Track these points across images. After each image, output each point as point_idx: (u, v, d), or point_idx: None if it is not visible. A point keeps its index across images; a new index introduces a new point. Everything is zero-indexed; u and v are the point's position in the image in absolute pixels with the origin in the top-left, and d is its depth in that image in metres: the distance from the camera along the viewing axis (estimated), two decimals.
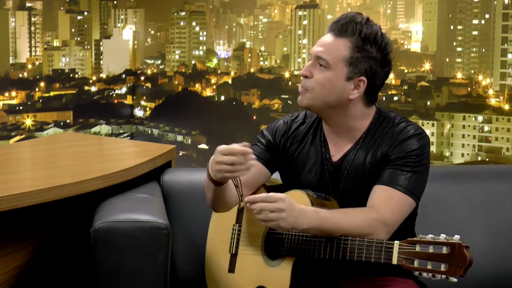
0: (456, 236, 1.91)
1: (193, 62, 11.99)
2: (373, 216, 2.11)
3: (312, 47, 2.26)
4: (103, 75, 11.51)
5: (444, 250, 1.90)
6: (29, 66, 11.49)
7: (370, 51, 2.17)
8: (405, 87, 11.13)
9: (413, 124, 2.24)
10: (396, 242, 1.98)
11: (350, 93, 2.19)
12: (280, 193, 2.08)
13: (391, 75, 11.20)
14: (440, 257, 1.90)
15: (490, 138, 10.68)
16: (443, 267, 1.89)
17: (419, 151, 2.18)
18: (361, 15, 2.23)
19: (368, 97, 2.23)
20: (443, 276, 1.89)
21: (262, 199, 2.06)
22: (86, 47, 11.70)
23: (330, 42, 2.20)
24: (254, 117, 11.33)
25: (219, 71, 12.01)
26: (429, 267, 1.91)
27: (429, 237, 1.93)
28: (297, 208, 2.06)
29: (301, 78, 2.25)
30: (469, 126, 10.77)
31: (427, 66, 11.27)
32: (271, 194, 2.06)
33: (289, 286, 2.15)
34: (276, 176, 2.41)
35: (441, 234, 1.92)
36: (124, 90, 11.25)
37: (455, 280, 1.89)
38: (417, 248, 1.94)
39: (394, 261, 1.97)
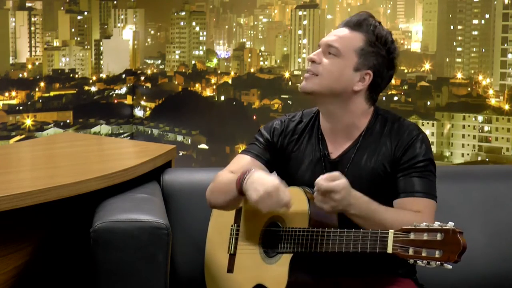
0: (450, 222, 1.91)
1: (193, 62, 12.00)
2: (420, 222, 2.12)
3: (322, 39, 2.29)
4: (103, 75, 11.52)
5: (438, 236, 1.90)
6: (29, 66, 11.50)
7: (381, 49, 2.22)
8: (405, 87, 11.14)
9: (413, 124, 2.27)
10: (391, 231, 1.98)
11: (355, 84, 2.23)
12: (339, 182, 2.06)
13: None
14: (434, 244, 1.90)
15: (490, 138, 10.69)
16: (437, 254, 1.89)
17: (428, 153, 2.22)
18: (374, 18, 2.28)
19: (370, 94, 2.25)
20: (437, 262, 1.89)
21: (327, 188, 2.06)
22: (86, 47, 11.71)
23: (345, 34, 2.26)
24: (254, 117, 11.34)
25: (219, 71, 12.02)
26: (423, 254, 1.91)
27: (423, 224, 1.94)
28: (351, 195, 2.08)
29: (308, 64, 2.28)
30: (469, 126, 10.78)
31: (427, 66, 11.28)
32: (332, 186, 2.06)
33: (286, 282, 2.15)
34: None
35: (436, 222, 1.93)
36: (124, 90, 11.26)
37: (449, 266, 1.89)
38: (412, 236, 1.94)
39: (389, 249, 1.97)
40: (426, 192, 2.19)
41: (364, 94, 2.25)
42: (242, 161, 2.33)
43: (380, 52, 2.23)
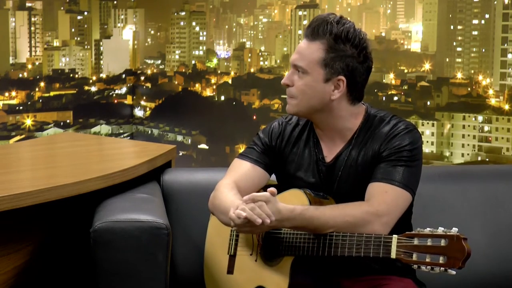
0: (454, 228, 1.91)
1: (193, 62, 11.98)
2: (364, 209, 2.12)
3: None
4: (103, 75, 11.49)
5: (442, 242, 1.90)
6: (29, 66, 11.49)
7: (344, 49, 2.19)
8: (405, 87, 11.12)
9: (403, 121, 2.25)
10: (395, 236, 1.99)
11: (331, 94, 2.22)
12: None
13: (391, 75, 11.21)
14: (438, 250, 1.90)
15: (490, 138, 10.67)
16: (441, 260, 1.90)
17: (410, 146, 2.20)
18: (334, 14, 2.24)
19: (352, 95, 2.24)
20: (441, 268, 1.90)
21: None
22: (86, 47, 11.69)
23: (305, 47, 2.23)
24: (254, 117, 11.32)
25: (219, 71, 12.00)
26: (427, 260, 1.92)
27: (427, 230, 1.94)
28: (279, 213, 2.06)
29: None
30: (469, 126, 10.76)
31: (427, 66, 11.26)
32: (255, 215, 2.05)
33: (288, 285, 2.15)
34: (272, 177, 2.42)
35: (439, 227, 1.93)
36: (124, 90, 11.24)
37: (453, 272, 1.90)
38: (416, 241, 1.95)
39: (393, 255, 1.98)
40: (400, 181, 2.16)
41: (346, 97, 2.24)
42: (243, 168, 2.33)
43: (345, 53, 2.19)
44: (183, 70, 11.84)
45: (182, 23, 11.92)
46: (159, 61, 11.96)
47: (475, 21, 11.01)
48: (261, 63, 12.02)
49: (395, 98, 10.86)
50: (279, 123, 2.38)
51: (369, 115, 2.28)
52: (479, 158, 10.64)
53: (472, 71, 10.94)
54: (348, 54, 2.20)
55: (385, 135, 2.22)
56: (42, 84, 11.14)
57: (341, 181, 2.25)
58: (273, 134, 2.36)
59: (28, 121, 10.68)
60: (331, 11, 2.34)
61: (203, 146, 11.05)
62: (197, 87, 11.54)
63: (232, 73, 11.87)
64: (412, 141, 2.21)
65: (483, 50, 10.95)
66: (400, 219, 2.19)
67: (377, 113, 2.29)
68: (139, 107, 11.23)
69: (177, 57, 11.93)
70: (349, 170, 2.24)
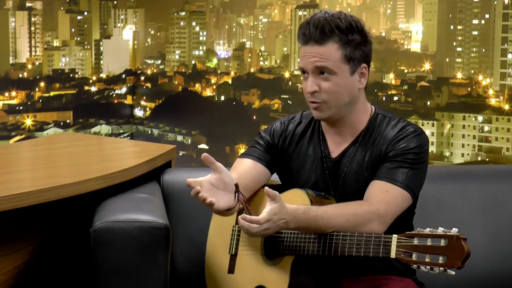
0: (454, 228, 1.91)
1: (193, 62, 11.98)
2: (365, 208, 2.12)
3: (303, 63, 2.21)
4: (103, 75, 11.50)
5: (442, 242, 1.90)
6: (29, 66, 11.49)
7: (355, 38, 2.20)
8: (405, 87, 11.12)
9: (412, 124, 2.26)
10: (394, 236, 1.99)
11: (359, 83, 2.22)
12: (264, 215, 2.06)
13: (391, 75, 11.22)
14: (438, 250, 1.90)
15: (490, 138, 10.67)
16: (441, 260, 1.90)
17: (417, 149, 2.20)
18: (322, 12, 2.22)
19: (367, 79, 2.27)
20: (441, 268, 1.89)
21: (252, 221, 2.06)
22: (86, 47, 11.69)
23: (320, 50, 2.18)
24: (254, 117, 11.33)
25: (219, 71, 12.00)
26: (427, 260, 1.91)
27: (427, 230, 1.94)
28: (282, 215, 2.07)
29: (308, 94, 2.22)
30: (469, 126, 10.76)
31: (427, 66, 11.26)
32: (260, 218, 2.05)
33: (288, 284, 2.15)
34: (275, 176, 2.42)
35: (439, 227, 1.93)
36: (124, 90, 11.24)
37: (453, 272, 1.89)
38: (415, 241, 1.95)
39: (393, 254, 1.98)
40: (402, 182, 2.16)
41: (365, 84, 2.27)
42: (244, 165, 2.33)
43: (357, 41, 2.20)
44: (183, 70, 11.84)
45: (182, 23, 11.92)
46: (159, 61, 11.96)
47: (475, 21, 11.01)
48: (261, 63, 12.02)
49: (395, 98, 10.86)
50: (281, 122, 2.38)
51: (377, 115, 2.28)
52: (479, 158, 10.64)
53: (472, 71, 10.94)
54: (359, 41, 2.20)
55: (393, 137, 2.22)
56: (42, 84, 11.15)
57: (346, 177, 2.25)
58: (275, 133, 2.36)
59: (28, 121, 10.68)
60: None
61: (203, 146, 11.05)
62: (197, 87, 11.54)
63: (232, 73, 11.87)
64: (419, 144, 2.21)
65: (483, 50, 10.95)
66: (401, 220, 2.19)
67: (385, 113, 2.29)
68: (139, 107, 11.23)
69: (177, 57, 11.93)
70: (355, 167, 2.24)
